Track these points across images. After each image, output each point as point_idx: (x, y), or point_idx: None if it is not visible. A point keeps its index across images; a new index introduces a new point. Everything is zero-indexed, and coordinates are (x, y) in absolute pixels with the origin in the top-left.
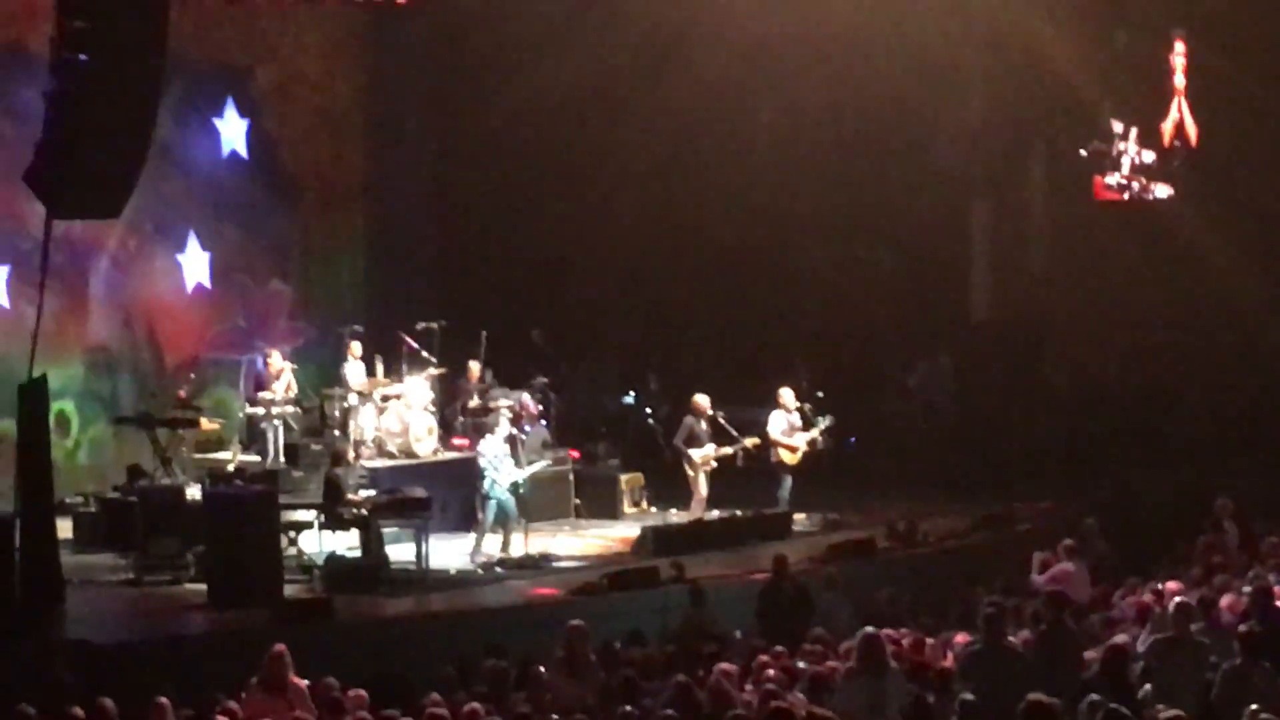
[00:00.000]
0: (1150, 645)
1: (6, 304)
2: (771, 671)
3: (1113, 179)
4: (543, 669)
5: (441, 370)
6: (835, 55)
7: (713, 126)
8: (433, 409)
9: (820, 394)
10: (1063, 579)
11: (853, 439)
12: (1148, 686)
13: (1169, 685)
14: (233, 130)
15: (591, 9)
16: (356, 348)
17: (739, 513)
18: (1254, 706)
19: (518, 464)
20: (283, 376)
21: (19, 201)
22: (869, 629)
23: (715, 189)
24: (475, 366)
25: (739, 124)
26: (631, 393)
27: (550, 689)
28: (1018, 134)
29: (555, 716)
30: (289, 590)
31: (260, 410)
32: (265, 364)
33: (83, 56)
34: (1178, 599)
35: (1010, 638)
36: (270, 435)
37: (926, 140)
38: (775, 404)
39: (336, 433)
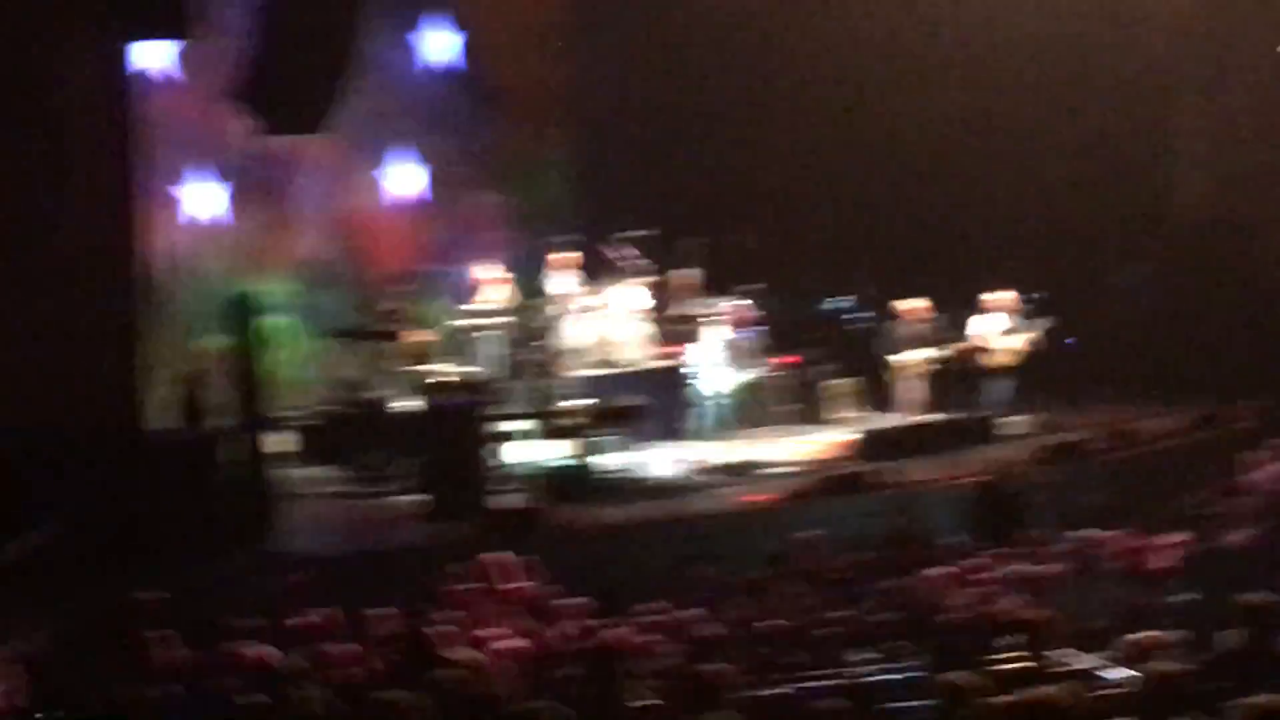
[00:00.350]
0: None
1: (218, 219)
2: (984, 575)
3: None
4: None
5: (652, 278)
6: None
7: (916, 27)
8: (643, 317)
9: (1034, 296)
10: (1274, 479)
11: (1070, 340)
12: None
13: None
14: (440, 42)
15: None
16: (568, 258)
17: (951, 416)
18: None
19: (730, 371)
20: (494, 287)
21: (228, 118)
22: (1087, 530)
23: (920, 90)
24: (691, 274)
25: (943, 24)
26: (842, 297)
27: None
28: (1226, 28)
29: (769, 622)
30: (501, 500)
31: (470, 321)
32: (475, 275)
33: None
34: None
35: (1228, 538)
36: (480, 346)
37: (1131, 34)
38: (988, 307)
39: (547, 343)
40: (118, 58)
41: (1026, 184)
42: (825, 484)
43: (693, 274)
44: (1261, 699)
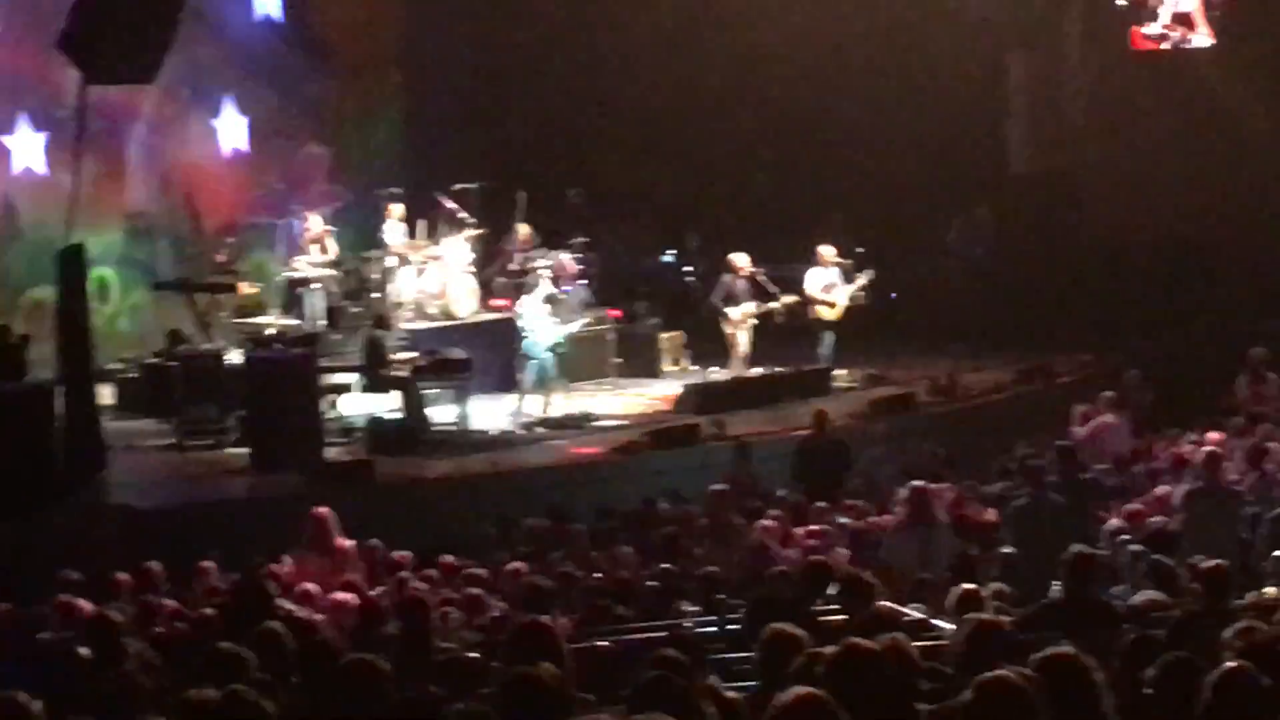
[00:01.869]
0: (1184, 496)
1: (45, 171)
2: (813, 527)
3: (1151, 28)
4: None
5: (480, 231)
6: None
7: None
8: (472, 270)
9: (859, 250)
10: (1103, 431)
11: (893, 294)
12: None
13: (1206, 536)
14: None
15: None
16: (396, 210)
17: (779, 370)
18: None
19: (557, 324)
20: (321, 240)
21: (54, 67)
22: (917, 482)
23: (750, 44)
24: (524, 228)
25: None
26: (670, 251)
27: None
28: None
29: (597, 575)
30: (330, 453)
31: (299, 274)
32: (303, 227)
33: None
34: (1207, 449)
35: (1052, 492)
36: (309, 299)
37: None
38: (814, 260)
39: (376, 295)
40: None
41: (858, 138)
42: (656, 437)
43: (522, 228)
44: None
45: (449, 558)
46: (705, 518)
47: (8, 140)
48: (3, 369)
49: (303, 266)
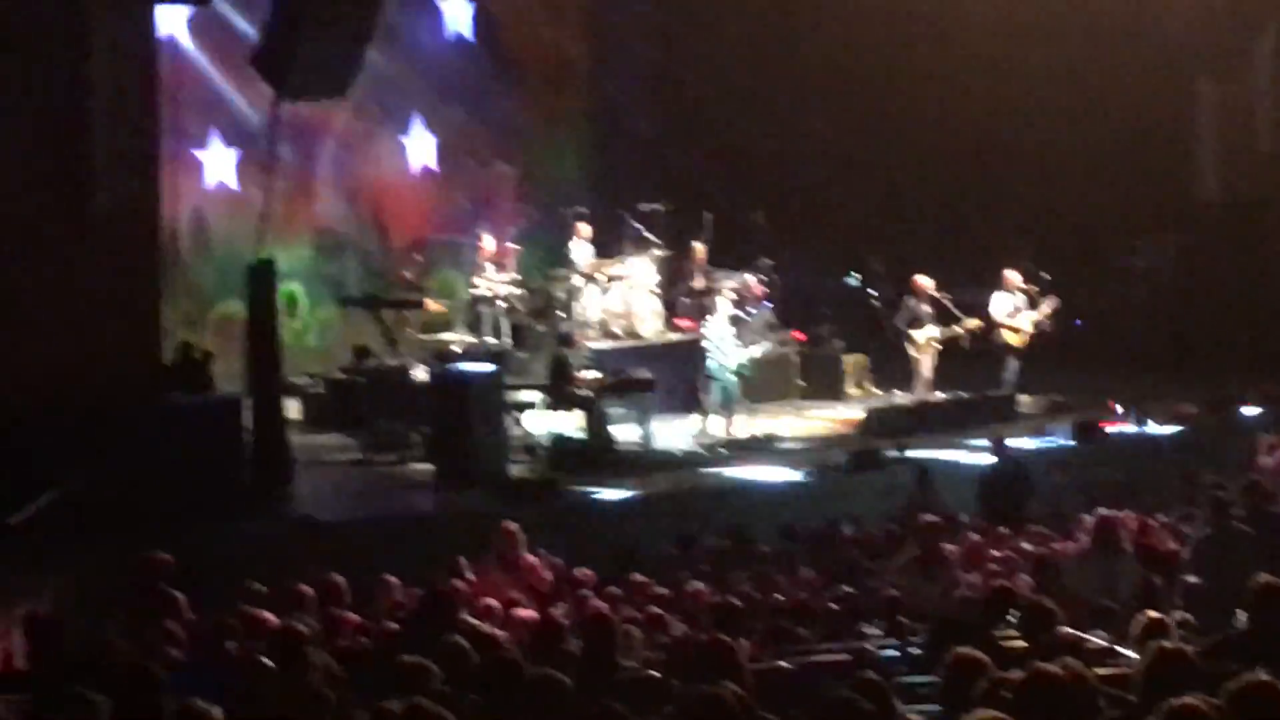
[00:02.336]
0: None
1: (236, 186)
2: (995, 553)
3: None
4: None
5: (666, 251)
6: None
7: (936, 2)
8: (657, 290)
9: (1046, 275)
10: None
11: (1078, 321)
12: None
13: None
14: (457, 11)
15: None
16: (583, 229)
17: (963, 395)
18: None
19: (742, 345)
20: (508, 258)
21: (246, 84)
22: (1104, 510)
23: (939, 67)
24: (700, 248)
25: (963, 5)
26: (855, 274)
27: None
28: (1247, 12)
29: (778, 597)
30: (514, 470)
31: (486, 292)
32: (492, 246)
33: None
34: None
35: (1237, 521)
36: (496, 317)
37: (1153, 17)
38: (1000, 285)
39: (561, 314)
40: (144, 21)
41: (1045, 162)
42: (840, 459)
43: (705, 248)
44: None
45: (638, 575)
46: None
47: (201, 155)
48: (189, 384)
49: (490, 285)
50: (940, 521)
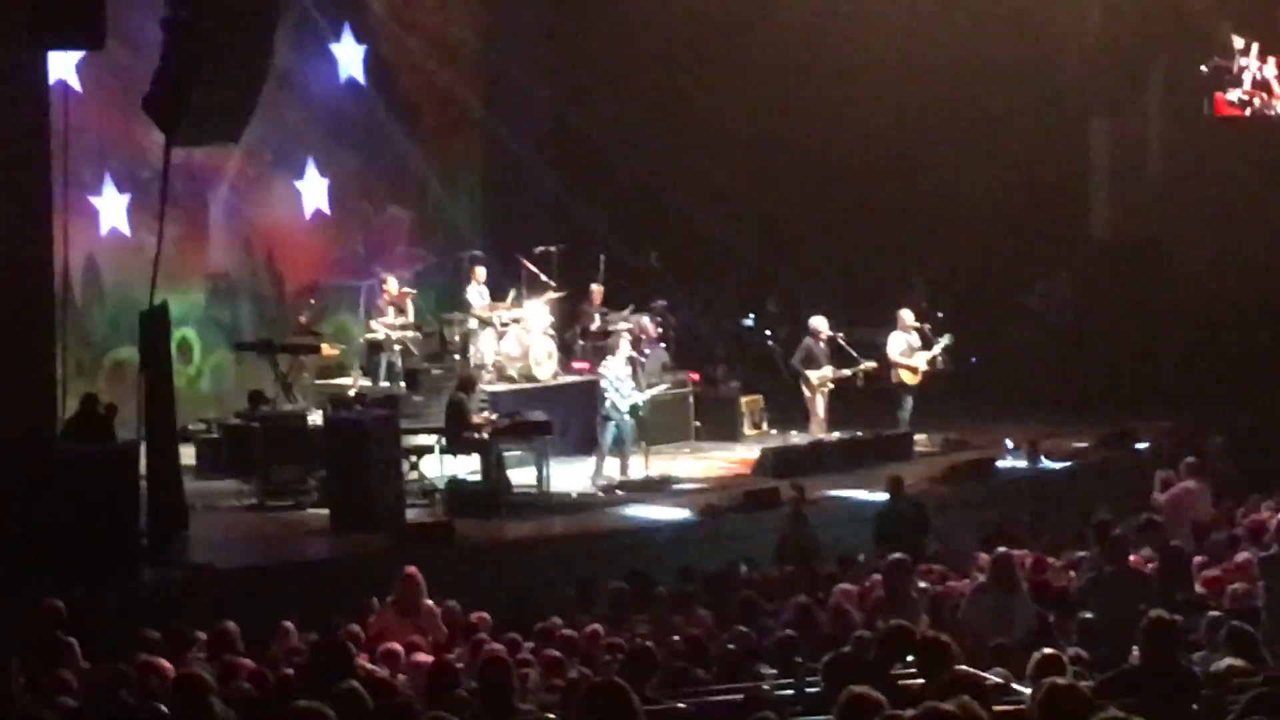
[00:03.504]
0: (1260, 561)
1: (128, 232)
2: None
3: (1233, 95)
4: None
5: (560, 294)
6: None
7: (829, 47)
8: (552, 333)
9: (940, 314)
10: (1184, 497)
11: (973, 359)
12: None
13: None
14: (350, 56)
15: None
16: (478, 272)
17: (859, 434)
18: None
19: (637, 387)
20: (401, 302)
21: (138, 130)
22: (1001, 548)
23: (832, 110)
24: (596, 290)
25: (856, 44)
26: (750, 315)
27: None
28: (1137, 51)
29: (675, 638)
30: (411, 514)
31: (380, 336)
32: (385, 290)
33: None
34: None
35: (1131, 557)
36: (391, 361)
37: (1045, 58)
38: (894, 325)
39: (457, 357)
40: (35, 67)
41: (940, 203)
42: (735, 499)
43: (596, 288)
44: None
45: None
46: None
47: (94, 201)
48: (91, 436)
49: (384, 329)
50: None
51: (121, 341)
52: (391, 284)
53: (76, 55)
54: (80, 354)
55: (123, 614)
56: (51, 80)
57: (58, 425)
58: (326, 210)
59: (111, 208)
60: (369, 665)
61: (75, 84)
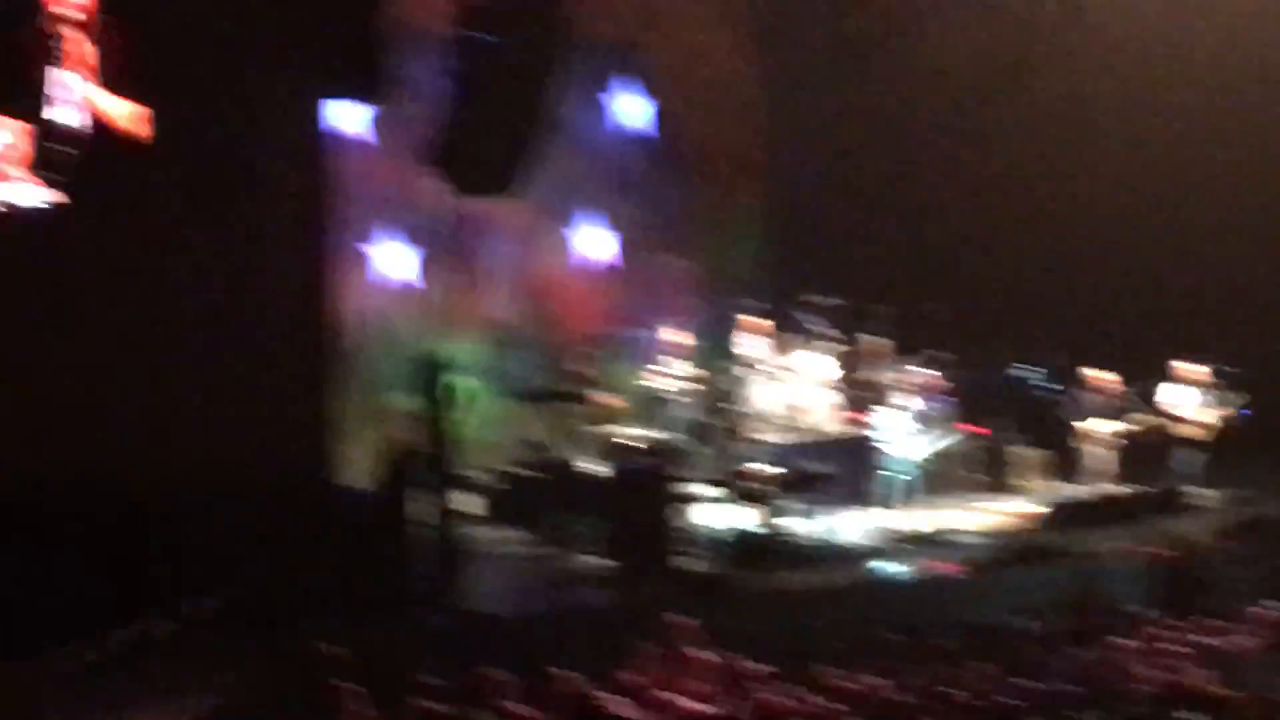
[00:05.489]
0: None
1: (411, 282)
2: (1170, 647)
3: None
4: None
5: (841, 344)
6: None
7: (1117, 88)
8: (832, 383)
9: (1223, 367)
10: None
11: (1249, 411)
12: None
13: None
14: (631, 106)
15: None
16: (758, 323)
17: (1139, 487)
18: None
19: (917, 439)
20: (680, 352)
21: (421, 181)
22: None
23: (1114, 162)
24: (876, 341)
25: (1146, 96)
26: (1032, 367)
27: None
28: None
29: (952, 691)
30: (687, 564)
31: (658, 386)
32: (664, 340)
33: (483, 36)
34: None
35: None
36: (669, 411)
37: None
38: (1176, 378)
39: (735, 407)
40: (315, 118)
41: (1228, 253)
42: (1012, 553)
43: (882, 341)
44: None
45: (810, 669)
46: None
47: (374, 250)
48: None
49: (662, 379)
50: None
51: (400, 388)
52: (671, 334)
53: (362, 107)
54: (358, 401)
55: (400, 661)
56: (338, 131)
57: (339, 471)
58: (607, 260)
59: (393, 257)
60: (640, 714)
61: (359, 135)
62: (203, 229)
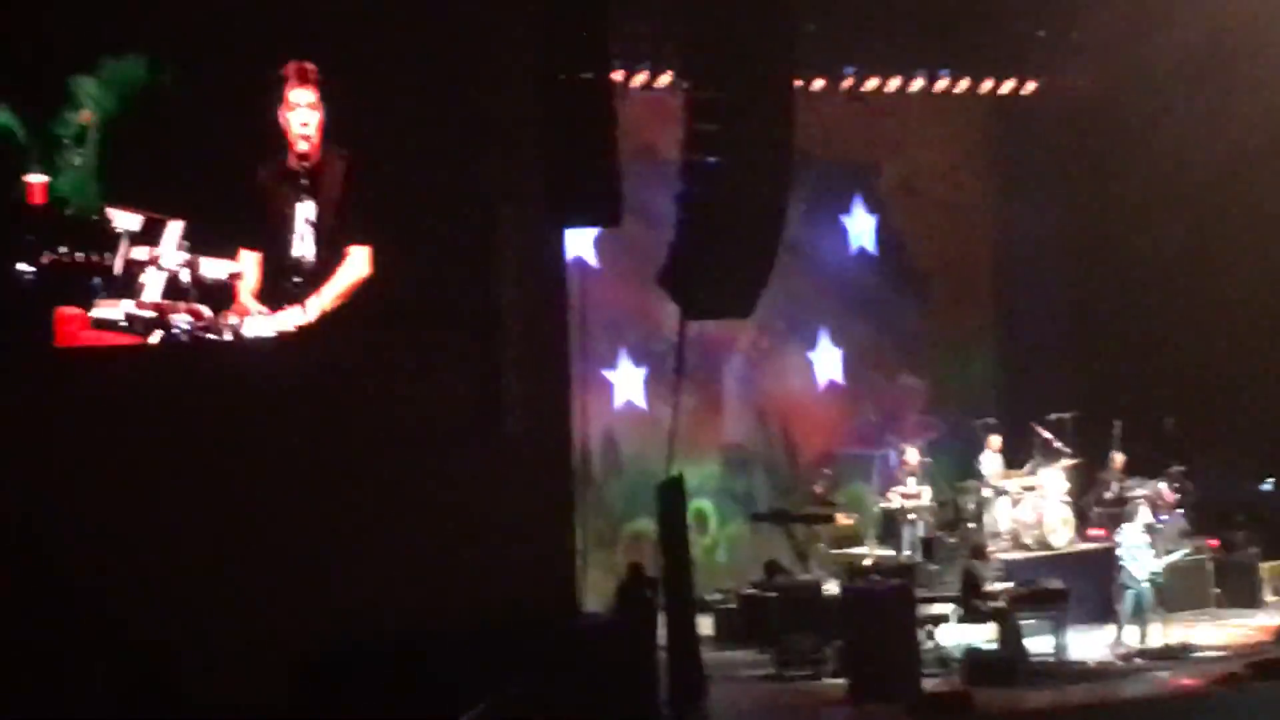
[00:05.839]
0: None
1: (644, 405)
2: None
3: None
4: None
5: (1076, 460)
6: None
7: None
8: (1068, 499)
9: None
10: None
11: None
12: None
13: None
14: (860, 226)
15: (1215, 87)
16: (993, 440)
17: None
18: None
19: (1155, 554)
20: (916, 471)
21: (653, 303)
22: None
23: None
24: (1114, 456)
25: None
26: (1270, 479)
27: None
28: None
29: None
30: (927, 684)
31: (895, 505)
32: (900, 459)
33: (712, 159)
34: None
35: None
36: (906, 530)
37: None
38: None
39: (972, 526)
40: (554, 244)
41: None
42: (1256, 668)
43: (1118, 456)
44: None
45: None
46: None
47: (610, 375)
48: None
49: (899, 498)
50: None
51: (639, 513)
52: (910, 454)
53: (593, 232)
54: (599, 525)
55: None
56: (569, 257)
57: (578, 596)
58: (840, 380)
59: (628, 381)
60: None
61: (592, 260)
62: (441, 359)
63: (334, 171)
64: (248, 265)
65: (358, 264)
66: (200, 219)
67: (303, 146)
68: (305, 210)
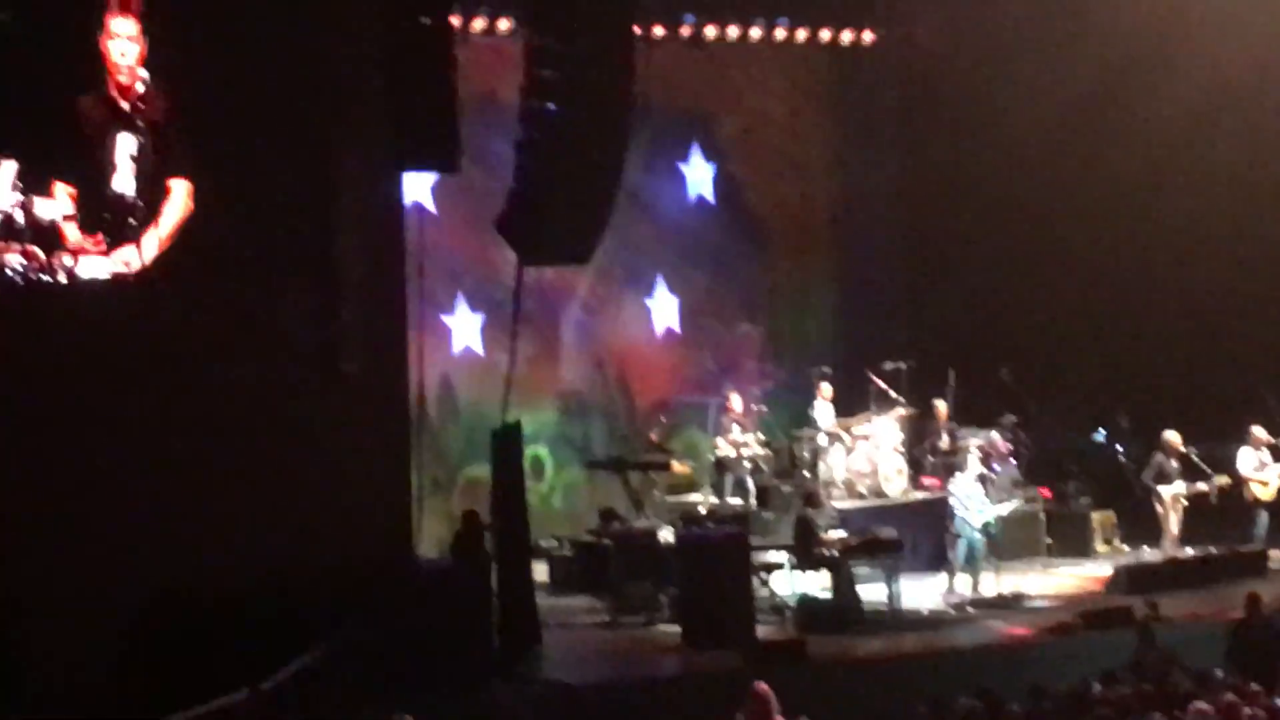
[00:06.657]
0: None
1: (481, 351)
2: (1249, 711)
3: None
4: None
5: (910, 410)
6: None
7: (1183, 157)
8: (902, 449)
9: None
10: None
11: None
12: None
13: None
14: (699, 175)
15: (1056, 41)
16: (826, 389)
17: (1213, 550)
18: None
19: (988, 503)
20: (749, 418)
21: (491, 250)
22: None
23: (1186, 223)
24: (944, 406)
25: (1207, 153)
26: (1102, 430)
27: None
28: None
29: None
30: (761, 631)
31: (730, 452)
32: (725, 406)
33: (551, 106)
34: None
35: None
36: (740, 477)
37: None
38: (1247, 439)
39: (806, 474)
40: (391, 190)
41: None
42: (1087, 617)
43: (941, 404)
44: None
45: None
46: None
47: (448, 320)
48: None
49: (734, 445)
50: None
51: (475, 459)
52: (735, 401)
53: (431, 177)
54: (435, 471)
55: None
56: (407, 202)
57: (413, 541)
58: (677, 328)
59: (465, 327)
60: None
61: (430, 205)
62: (277, 305)
63: (156, 106)
64: (64, 199)
65: (179, 200)
66: (30, 157)
67: (123, 78)
68: (126, 143)
